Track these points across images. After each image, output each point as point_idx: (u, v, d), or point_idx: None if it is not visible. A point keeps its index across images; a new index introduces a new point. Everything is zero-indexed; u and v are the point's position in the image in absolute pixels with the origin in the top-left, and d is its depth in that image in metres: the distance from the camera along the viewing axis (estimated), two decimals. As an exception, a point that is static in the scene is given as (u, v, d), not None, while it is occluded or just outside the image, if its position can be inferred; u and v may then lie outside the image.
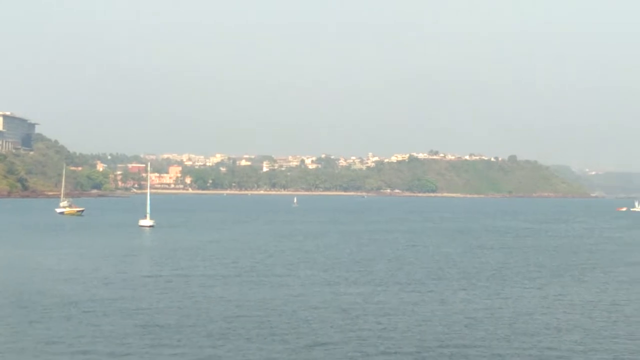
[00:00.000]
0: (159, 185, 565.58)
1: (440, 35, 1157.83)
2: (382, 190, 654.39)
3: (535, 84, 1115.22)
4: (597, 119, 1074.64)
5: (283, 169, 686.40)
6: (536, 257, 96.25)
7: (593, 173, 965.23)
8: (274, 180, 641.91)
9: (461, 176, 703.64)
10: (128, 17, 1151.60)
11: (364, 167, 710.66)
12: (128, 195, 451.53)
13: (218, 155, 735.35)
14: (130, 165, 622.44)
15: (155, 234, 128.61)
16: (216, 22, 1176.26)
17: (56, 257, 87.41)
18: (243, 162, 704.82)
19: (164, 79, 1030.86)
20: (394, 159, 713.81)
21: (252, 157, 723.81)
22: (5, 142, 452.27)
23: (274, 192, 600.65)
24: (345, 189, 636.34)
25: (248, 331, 45.65)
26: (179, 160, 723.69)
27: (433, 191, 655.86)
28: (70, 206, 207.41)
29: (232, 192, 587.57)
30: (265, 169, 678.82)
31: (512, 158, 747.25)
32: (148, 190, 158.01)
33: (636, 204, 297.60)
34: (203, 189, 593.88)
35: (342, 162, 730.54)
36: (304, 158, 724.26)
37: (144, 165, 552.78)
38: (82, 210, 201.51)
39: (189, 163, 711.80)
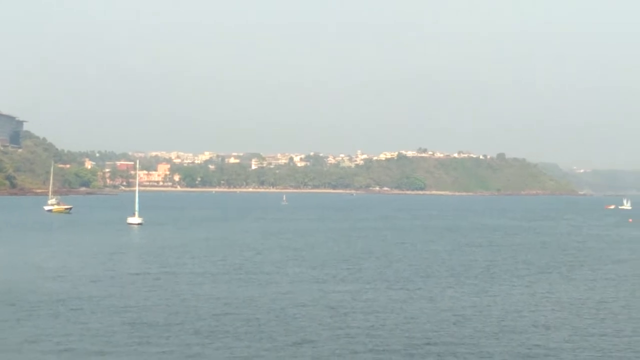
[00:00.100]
0: (148, 183, 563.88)
1: (440, 35, 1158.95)
2: (370, 188, 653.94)
3: (528, 84, 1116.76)
4: (585, 118, 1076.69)
5: (272, 166, 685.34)
6: (524, 254, 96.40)
7: (581, 171, 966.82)
8: (262, 177, 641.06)
9: (450, 174, 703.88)
10: (128, 17, 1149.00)
11: (352, 165, 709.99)
12: (116, 192, 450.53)
13: (207, 153, 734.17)
14: (118, 163, 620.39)
15: (143, 232, 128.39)
16: (216, 22, 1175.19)
17: (44, 255, 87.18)
18: (232, 160, 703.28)
19: (156, 78, 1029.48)
20: (382, 156, 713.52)
21: (241, 154, 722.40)
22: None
23: (262, 190, 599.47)
24: (334, 187, 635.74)
25: (236, 329, 45.60)
26: (167, 157, 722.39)
27: (422, 189, 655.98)
28: (58, 204, 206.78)
29: (221, 189, 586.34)
30: (254, 167, 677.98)
31: (501, 156, 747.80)
32: (136, 188, 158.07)
33: (624, 201, 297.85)
34: (192, 187, 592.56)
35: (330, 160, 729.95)
36: (293, 156, 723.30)
37: (132, 162, 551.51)
38: (70, 208, 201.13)
39: (177, 161, 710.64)
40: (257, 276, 70.28)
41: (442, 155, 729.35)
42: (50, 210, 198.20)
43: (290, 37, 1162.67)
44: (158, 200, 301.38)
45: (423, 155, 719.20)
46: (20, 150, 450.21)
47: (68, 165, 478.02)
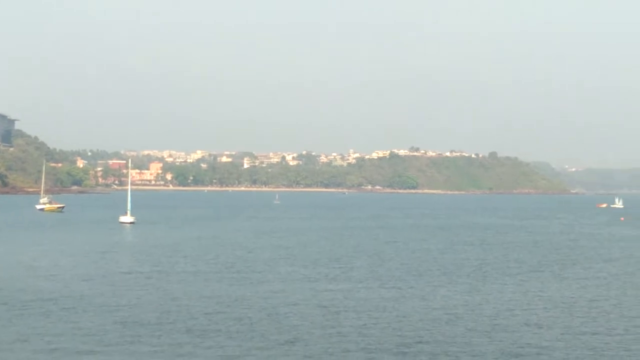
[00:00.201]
0: (140, 182, 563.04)
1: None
2: (363, 187, 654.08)
3: (522, 84, 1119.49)
4: (577, 117, 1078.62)
5: (264, 165, 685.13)
6: (516, 253, 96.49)
7: (573, 169, 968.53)
8: (254, 176, 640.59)
9: (442, 173, 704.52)
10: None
11: (345, 164, 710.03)
12: (108, 191, 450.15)
13: (199, 152, 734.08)
14: (110, 162, 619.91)
15: (135, 231, 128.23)
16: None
17: (36, 254, 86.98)
18: (224, 159, 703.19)
19: (152, 78, 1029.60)
20: (375, 155, 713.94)
21: (233, 153, 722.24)
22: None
23: (254, 189, 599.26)
24: (326, 186, 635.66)
25: (228, 328, 45.56)
26: (159, 156, 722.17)
27: (414, 188, 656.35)
28: (50, 203, 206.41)
29: (213, 188, 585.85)
30: (246, 166, 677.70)
31: (493, 155, 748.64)
32: (129, 187, 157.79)
33: (616, 200, 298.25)
34: (184, 186, 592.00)
35: (323, 159, 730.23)
36: (285, 154, 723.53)
37: (124, 161, 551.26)
38: (62, 207, 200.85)
39: (169, 160, 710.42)
40: (249, 275, 70.25)
41: (434, 154, 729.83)
42: (42, 209, 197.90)
43: (289, 37, 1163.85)
44: (150, 199, 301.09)
45: (415, 154, 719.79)
46: (11, 149, 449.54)
47: (60, 164, 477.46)
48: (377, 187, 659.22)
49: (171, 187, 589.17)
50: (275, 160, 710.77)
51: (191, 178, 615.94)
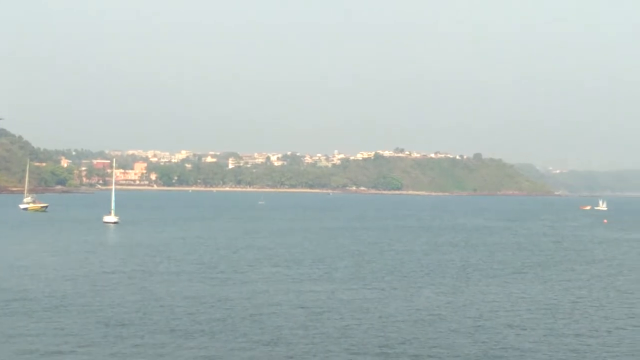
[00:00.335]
0: (124, 182, 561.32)
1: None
2: (347, 188, 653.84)
3: (505, 86, 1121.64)
4: (561, 119, 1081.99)
5: (248, 166, 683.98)
6: (500, 254, 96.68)
7: (557, 171, 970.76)
8: (239, 177, 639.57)
9: (426, 174, 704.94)
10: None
11: (329, 165, 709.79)
12: (93, 191, 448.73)
13: (183, 152, 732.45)
14: (95, 161, 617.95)
15: (119, 231, 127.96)
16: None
17: (19, 253, 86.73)
18: (208, 159, 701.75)
19: (136, 77, 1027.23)
20: (359, 156, 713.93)
21: (218, 153, 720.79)
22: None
23: (239, 189, 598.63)
24: (311, 186, 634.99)
25: (211, 328, 45.51)
26: (144, 156, 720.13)
27: (398, 189, 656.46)
28: (34, 202, 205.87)
29: (198, 188, 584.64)
30: (230, 166, 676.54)
31: (477, 156, 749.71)
32: (113, 187, 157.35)
33: (600, 202, 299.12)
34: (168, 186, 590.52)
35: (307, 160, 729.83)
36: (270, 155, 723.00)
37: (108, 161, 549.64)
38: (46, 206, 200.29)
39: (154, 159, 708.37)
40: (233, 275, 70.19)
41: (419, 155, 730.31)
42: (26, 209, 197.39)
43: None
44: (134, 199, 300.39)
45: (400, 155, 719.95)
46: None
47: (44, 164, 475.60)
48: (362, 188, 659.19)
49: (155, 187, 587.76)
50: (260, 160, 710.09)
51: (176, 178, 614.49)
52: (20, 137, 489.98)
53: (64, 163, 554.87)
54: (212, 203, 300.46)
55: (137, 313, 49.72)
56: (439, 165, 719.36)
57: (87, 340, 41.85)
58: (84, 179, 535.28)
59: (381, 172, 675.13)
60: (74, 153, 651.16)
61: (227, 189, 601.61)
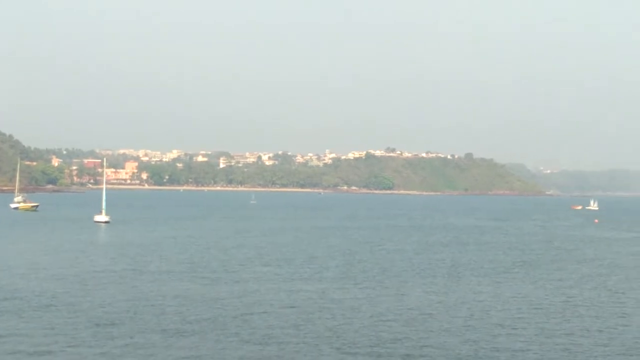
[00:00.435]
0: (115, 181, 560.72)
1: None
2: (339, 187, 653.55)
3: (496, 85, 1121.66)
4: (553, 119, 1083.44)
5: (240, 165, 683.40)
6: (491, 254, 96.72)
7: (548, 171, 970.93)
8: (230, 176, 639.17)
9: (418, 173, 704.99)
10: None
11: (321, 164, 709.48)
12: (84, 190, 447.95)
13: (175, 151, 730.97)
14: (86, 161, 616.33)
15: (110, 230, 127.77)
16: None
17: (10, 253, 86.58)
18: (200, 158, 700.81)
19: (127, 76, 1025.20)
20: (351, 156, 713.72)
21: (209, 153, 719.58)
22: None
23: (230, 188, 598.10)
24: (302, 186, 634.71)
25: (202, 327, 45.40)
26: (135, 155, 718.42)
27: (390, 188, 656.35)
28: (24, 201, 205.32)
29: (189, 188, 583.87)
30: (222, 165, 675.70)
31: (469, 156, 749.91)
32: (104, 186, 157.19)
33: (591, 202, 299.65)
34: (159, 185, 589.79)
35: (299, 159, 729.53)
36: (261, 154, 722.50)
37: (99, 160, 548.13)
38: (37, 206, 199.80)
39: (145, 159, 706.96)
40: (224, 275, 70.10)
41: (410, 154, 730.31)
42: (16, 208, 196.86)
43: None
44: (125, 199, 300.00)
45: (391, 154, 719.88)
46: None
47: (35, 163, 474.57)
48: (353, 187, 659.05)
49: (147, 186, 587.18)
50: (251, 160, 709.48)
51: (167, 177, 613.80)
52: (10, 136, 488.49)
53: (55, 162, 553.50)
54: (203, 202, 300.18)
55: (128, 312, 49.60)
56: (430, 165, 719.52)
57: (78, 340, 41.73)
58: (75, 178, 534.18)
59: (372, 172, 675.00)
60: (64, 152, 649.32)
61: (219, 188, 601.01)
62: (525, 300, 58.52)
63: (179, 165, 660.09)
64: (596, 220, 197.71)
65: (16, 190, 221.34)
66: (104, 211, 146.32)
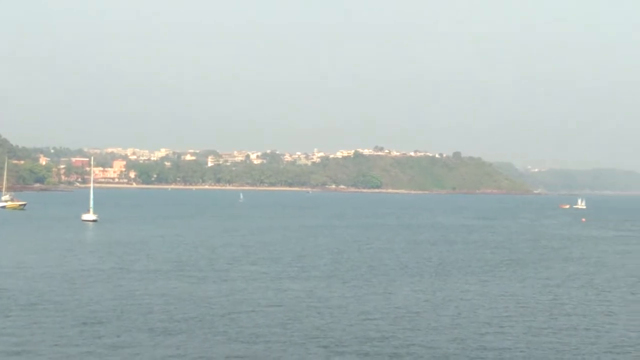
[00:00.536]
0: (103, 180, 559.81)
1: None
2: (327, 186, 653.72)
3: (485, 84, 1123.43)
4: (541, 118, 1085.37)
5: (228, 164, 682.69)
6: (478, 253, 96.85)
7: (536, 170, 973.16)
8: (219, 175, 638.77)
9: (406, 172, 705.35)
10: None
11: (309, 163, 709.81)
12: (71, 189, 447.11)
13: (163, 150, 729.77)
14: (73, 159, 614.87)
15: (98, 229, 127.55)
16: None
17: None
18: (188, 157, 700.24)
19: (109, 74, 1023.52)
20: (339, 154, 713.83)
21: (197, 151, 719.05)
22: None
23: (218, 187, 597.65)
24: (291, 185, 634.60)
25: (190, 326, 45.35)
26: (123, 154, 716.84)
27: (378, 187, 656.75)
28: (12, 200, 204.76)
29: (177, 186, 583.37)
30: (210, 164, 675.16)
31: (457, 155, 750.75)
32: (91, 185, 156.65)
33: (579, 201, 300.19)
34: (147, 184, 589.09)
35: (287, 158, 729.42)
36: (249, 153, 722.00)
37: (87, 159, 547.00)
38: (24, 204, 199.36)
39: (133, 157, 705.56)
40: (211, 273, 70.04)
41: (398, 153, 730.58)
42: (3, 207, 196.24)
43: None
44: (113, 197, 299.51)
45: (379, 153, 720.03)
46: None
47: (22, 162, 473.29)
48: (342, 186, 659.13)
49: (134, 185, 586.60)
50: (239, 158, 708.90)
51: (155, 176, 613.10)
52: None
53: (43, 161, 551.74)
54: (191, 201, 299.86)
55: (115, 311, 49.52)
56: (419, 164, 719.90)
57: (64, 338, 41.63)
58: (63, 177, 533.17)
59: (361, 171, 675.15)
60: (52, 151, 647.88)
61: (207, 187, 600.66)
62: (512, 298, 58.62)
63: (167, 164, 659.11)
64: (583, 219, 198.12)
65: (3, 189, 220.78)
66: (91, 210, 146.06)
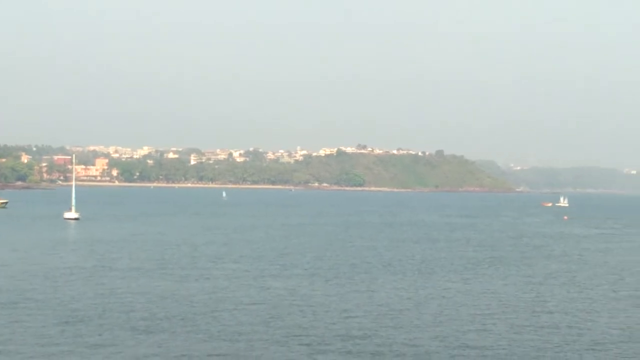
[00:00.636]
0: (85, 178, 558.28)
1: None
2: (310, 184, 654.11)
3: (466, 83, 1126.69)
4: (523, 116, 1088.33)
5: (211, 162, 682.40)
6: (461, 251, 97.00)
7: (518, 168, 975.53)
8: (201, 173, 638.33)
9: (389, 170, 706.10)
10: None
11: (292, 161, 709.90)
12: (54, 187, 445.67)
13: (145, 148, 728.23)
14: (55, 157, 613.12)
15: (80, 227, 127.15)
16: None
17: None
18: (170, 155, 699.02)
19: (89, 71, 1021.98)
20: (322, 152, 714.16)
21: (180, 149, 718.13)
22: None
23: (201, 185, 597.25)
24: (273, 183, 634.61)
25: (172, 325, 45.21)
26: (105, 152, 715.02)
27: (361, 185, 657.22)
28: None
29: (160, 184, 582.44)
30: (192, 162, 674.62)
31: (439, 153, 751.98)
32: (73, 183, 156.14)
33: (561, 199, 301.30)
34: (130, 182, 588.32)
35: (270, 156, 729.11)
36: (232, 151, 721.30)
37: (69, 157, 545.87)
38: (6, 203, 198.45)
39: (115, 155, 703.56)
40: (194, 271, 69.90)
41: (381, 151, 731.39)
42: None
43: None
44: (95, 195, 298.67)
45: (362, 151, 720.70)
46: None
47: (4, 160, 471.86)
48: (324, 184, 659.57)
49: (117, 183, 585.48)
50: (222, 156, 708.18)
51: (137, 174, 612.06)
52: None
53: (25, 159, 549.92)
54: (173, 199, 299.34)
55: (97, 309, 49.33)
56: (401, 162, 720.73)
57: (46, 337, 41.44)
58: (45, 175, 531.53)
59: (343, 169, 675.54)
60: (34, 149, 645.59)
61: (189, 185, 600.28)
62: (494, 296, 58.71)
63: (150, 162, 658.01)
64: (566, 217, 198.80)
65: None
66: (73, 208, 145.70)
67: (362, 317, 48.75)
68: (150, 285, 60.79)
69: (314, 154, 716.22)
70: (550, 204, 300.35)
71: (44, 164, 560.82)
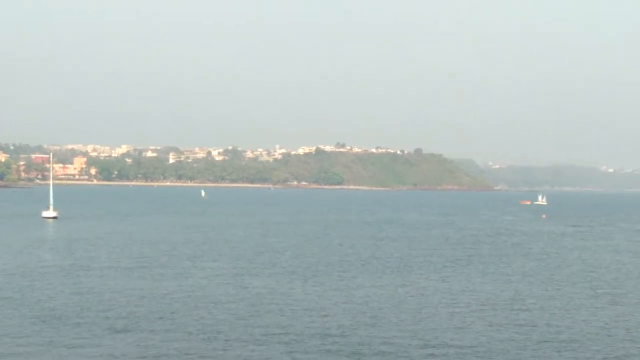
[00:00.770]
0: (64, 176, 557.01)
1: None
2: (289, 183, 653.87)
3: (446, 82, 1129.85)
4: (501, 115, 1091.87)
5: (189, 160, 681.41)
6: (440, 249, 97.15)
7: (496, 167, 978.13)
8: (180, 171, 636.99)
9: (367, 169, 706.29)
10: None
11: (271, 160, 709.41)
12: (31, 186, 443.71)
13: (124, 147, 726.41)
14: (33, 156, 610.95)
15: (58, 226, 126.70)
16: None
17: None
18: (149, 154, 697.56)
19: (66, 70, 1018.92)
20: (301, 151, 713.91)
21: (158, 148, 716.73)
22: None
23: (180, 184, 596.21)
24: (252, 181, 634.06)
25: (150, 323, 45.09)
26: (84, 151, 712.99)
27: (339, 183, 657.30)
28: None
29: (138, 183, 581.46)
30: (171, 161, 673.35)
31: (418, 151, 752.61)
32: (51, 182, 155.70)
33: (539, 197, 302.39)
34: (108, 180, 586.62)
35: (249, 154, 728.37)
36: (211, 150, 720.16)
37: (47, 155, 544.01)
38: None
39: (94, 154, 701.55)
40: (173, 270, 69.74)
41: (360, 150, 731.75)
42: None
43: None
44: (74, 194, 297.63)
45: (341, 150, 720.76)
46: None
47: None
48: (303, 182, 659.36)
49: (95, 181, 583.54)
50: (200, 155, 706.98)
51: (116, 173, 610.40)
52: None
53: (2, 157, 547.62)
54: (152, 198, 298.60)
55: (74, 308, 49.16)
56: (380, 160, 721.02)
57: (22, 335, 41.27)
58: (23, 174, 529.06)
59: (322, 167, 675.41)
60: (12, 147, 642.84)
61: (168, 183, 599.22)
62: (473, 294, 58.82)
63: (128, 160, 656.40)
64: (544, 215, 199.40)
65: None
66: (51, 207, 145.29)
67: (340, 315, 48.75)
68: (129, 283, 60.62)
69: (293, 152, 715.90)
70: (528, 202, 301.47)
71: (21, 163, 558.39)
